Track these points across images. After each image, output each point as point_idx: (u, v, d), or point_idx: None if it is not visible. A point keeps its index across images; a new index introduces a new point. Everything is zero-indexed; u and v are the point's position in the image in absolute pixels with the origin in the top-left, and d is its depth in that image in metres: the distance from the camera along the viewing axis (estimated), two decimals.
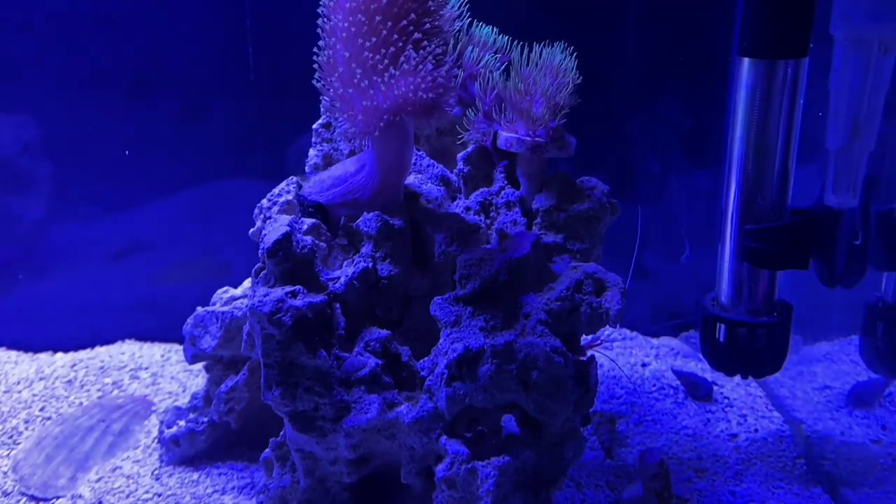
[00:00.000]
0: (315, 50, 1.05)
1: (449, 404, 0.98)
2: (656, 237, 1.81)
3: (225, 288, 1.40)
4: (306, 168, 1.29)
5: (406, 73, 0.97)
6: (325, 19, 1.02)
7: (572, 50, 1.13)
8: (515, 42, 1.17)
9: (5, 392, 1.60)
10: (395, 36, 0.98)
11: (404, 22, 0.98)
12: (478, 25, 1.19)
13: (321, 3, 1.02)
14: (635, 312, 1.86)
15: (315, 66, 1.05)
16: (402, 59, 0.97)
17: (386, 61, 0.98)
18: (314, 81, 1.05)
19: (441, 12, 1.03)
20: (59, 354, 1.79)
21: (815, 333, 1.65)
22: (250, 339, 1.24)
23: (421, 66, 0.98)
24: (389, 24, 0.97)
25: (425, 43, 0.99)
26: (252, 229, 1.24)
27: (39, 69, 1.68)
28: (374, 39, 0.97)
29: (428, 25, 1.00)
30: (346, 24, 0.98)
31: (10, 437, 1.44)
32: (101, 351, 1.80)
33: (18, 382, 1.63)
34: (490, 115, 1.16)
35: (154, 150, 1.74)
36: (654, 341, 1.84)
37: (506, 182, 1.20)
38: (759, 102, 1.12)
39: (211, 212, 1.80)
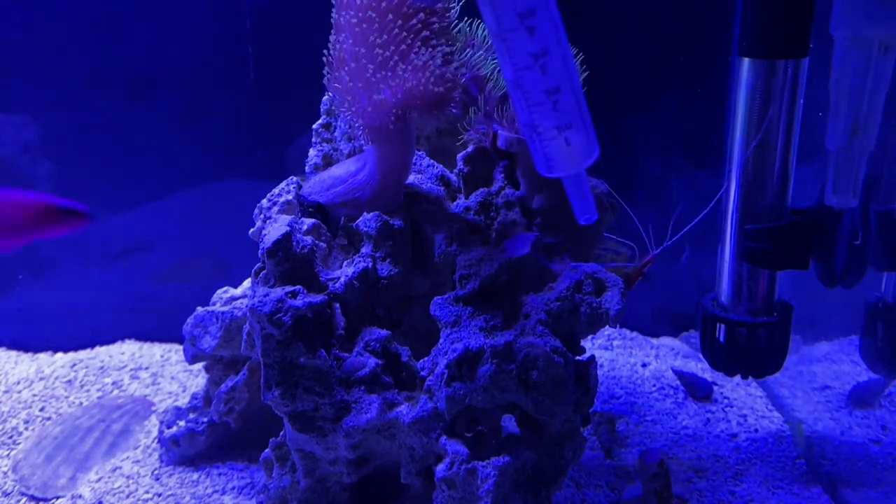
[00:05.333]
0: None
1: (449, 404, 0.98)
2: (656, 237, 1.81)
3: (225, 288, 1.40)
4: (306, 168, 1.29)
5: (416, 70, 0.98)
6: (337, 13, 1.03)
7: (574, 51, 1.13)
8: None
9: (5, 392, 1.60)
10: (405, 33, 0.98)
11: (414, 20, 0.98)
12: (480, 27, 1.19)
13: None
14: (635, 313, 1.86)
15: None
16: (411, 55, 0.98)
17: (396, 58, 0.98)
18: (325, 81, 1.05)
19: (448, 13, 1.03)
20: (59, 354, 1.79)
21: (815, 333, 1.65)
22: (250, 339, 1.24)
23: (430, 63, 0.98)
24: (400, 21, 0.98)
25: (433, 41, 0.99)
26: (252, 229, 1.24)
27: (39, 69, 1.68)
28: (384, 36, 0.98)
29: (436, 25, 1.00)
30: (356, 21, 0.99)
31: (10, 437, 1.44)
32: (101, 351, 1.80)
33: (18, 382, 1.63)
34: (490, 115, 1.16)
35: (154, 150, 1.74)
36: (654, 341, 1.84)
37: (506, 182, 1.20)
38: (759, 102, 1.12)
39: (211, 212, 1.80)
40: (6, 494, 1.29)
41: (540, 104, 0.81)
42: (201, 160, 1.76)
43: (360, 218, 1.10)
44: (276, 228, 1.06)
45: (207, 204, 1.80)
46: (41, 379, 1.64)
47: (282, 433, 1.12)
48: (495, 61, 1.16)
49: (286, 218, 1.11)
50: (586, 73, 1.10)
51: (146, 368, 1.71)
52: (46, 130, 1.74)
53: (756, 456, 1.38)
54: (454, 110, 1.02)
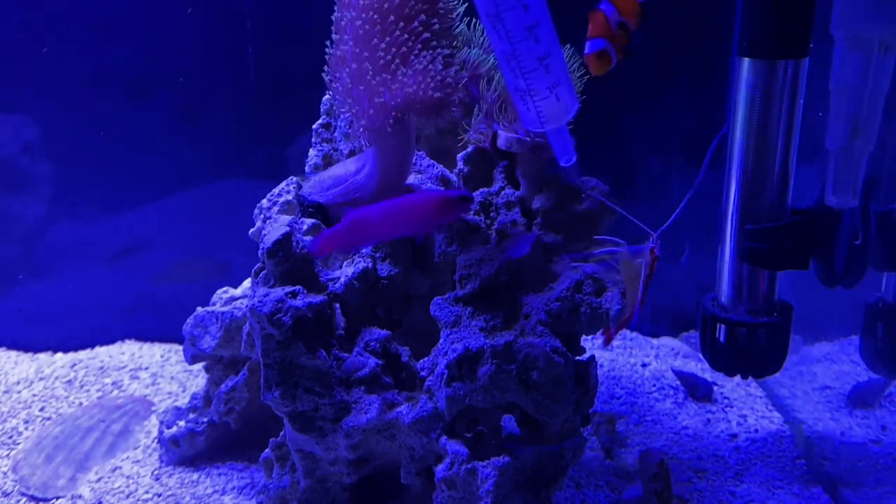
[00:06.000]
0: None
1: (449, 404, 0.98)
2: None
3: (225, 288, 1.40)
4: (306, 168, 1.29)
5: (416, 73, 0.98)
6: (339, 13, 1.03)
7: (574, 51, 1.13)
8: None
9: (5, 392, 1.60)
10: (406, 35, 0.98)
11: (415, 23, 0.98)
12: (480, 26, 1.19)
13: None
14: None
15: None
16: (411, 58, 0.98)
17: (397, 60, 0.98)
18: (325, 78, 1.05)
19: (450, 15, 1.03)
20: (59, 354, 1.79)
21: (815, 333, 1.65)
22: (250, 339, 1.24)
23: (430, 66, 0.98)
24: (401, 23, 0.98)
25: (434, 43, 0.99)
26: (252, 229, 1.24)
27: (39, 69, 1.68)
28: (386, 38, 0.98)
29: (437, 26, 1.00)
30: (358, 23, 0.99)
31: (10, 437, 1.44)
32: (100, 351, 1.80)
33: (18, 382, 1.63)
34: (491, 116, 1.16)
35: (154, 150, 1.74)
36: (654, 341, 1.84)
37: (506, 182, 1.20)
38: (759, 102, 1.12)
39: (211, 212, 1.80)
40: (6, 494, 1.29)
41: (534, 70, 0.90)
42: (201, 160, 1.76)
43: None
44: (276, 228, 1.06)
45: (207, 204, 1.80)
46: (41, 379, 1.64)
47: (282, 433, 1.12)
48: (496, 61, 1.16)
49: (286, 218, 1.11)
50: (586, 78, 1.10)
51: (146, 368, 1.71)
52: (46, 130, 1.74)
53: (756, 456, 1.38)
54: (455, 112, 1.02)
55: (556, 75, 0.91)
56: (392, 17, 0.98)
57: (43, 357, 1.78)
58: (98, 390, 1.61)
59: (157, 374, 1.68)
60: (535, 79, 0.90)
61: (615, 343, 1.83)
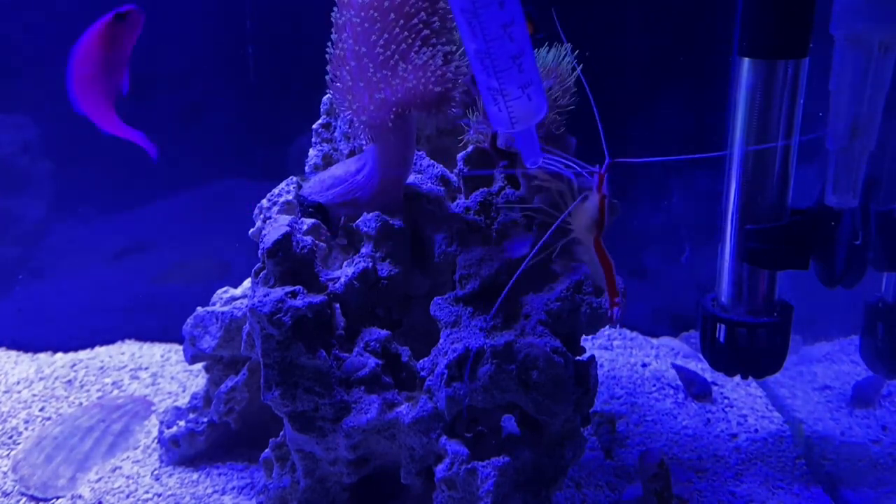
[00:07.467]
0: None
1: (449, 404, 0.98)
2: (656, 237, 1.81)
3: (225, 288, 1.40)
4: (306, 168, 1.29)
5: (416, 69, 0.98)
6: (338, 13, 1.03)
7: (574, 51, 1.13)
8: None
9: (5, 392, 1.60)
10: (406, 32, 0.98)
11: (415, 20, 0.98)
12: None
13: None
14: (635, 313, 1.86)
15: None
16: (412, 54, 0.98)
17: (397, 57, 0.98)
18: (327, 79, 1.06)
19: (450, 14, 1.03)
20: (59, 354, 1.79)
21: (815, 333, 1.65)
22: (250, 339, 1.24)
23: (431, 62, 0.98)
24: (402, 21, 0.98)
25: (434, 41, 0.99)
26: (252, 229, 1.24)
27: (39, 69, 1.68)
28: (385, 36, 0.98)
29: (437, 24, 1.00)
30: (358, 20, 0.99)
31: (10, 437, 1.44)
32: (100, 351, 1.80)
33: (18, 382, 1.63)
34: None
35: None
36: (654, 341, 1.84)
37: (506, 182, 1.20)
38: (759, 102, 1.12)
39: (211, 212, 1.80)
40: (6, 494, 1.29)
41: (507, 69, 0.88)
42: (201, 160, 1.76)
43: (360, 218, 1.10)
44: (276, 228, 1.06)
45: (207, 204, 1.80)
46: (41, 379, 1.64)
47: (282, 433, 1.12)
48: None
49: (286, 218, 1.11)
50: (587, 72, 1.10)
51: (146, 368, 1.71)
52: (46, 130, 1.74)
53: (756, 456, 1.38)
54: (454, 109, 1.02)
55: (528, 75, 0.89)
56: (392, 15, 0.98)
57: (43, 357, 1.78)
58: (98, 390, 1.61)
59: (157, 374, 1.68)
60: (507, 78, 0.88)
61: (615, 343, 1.83)
